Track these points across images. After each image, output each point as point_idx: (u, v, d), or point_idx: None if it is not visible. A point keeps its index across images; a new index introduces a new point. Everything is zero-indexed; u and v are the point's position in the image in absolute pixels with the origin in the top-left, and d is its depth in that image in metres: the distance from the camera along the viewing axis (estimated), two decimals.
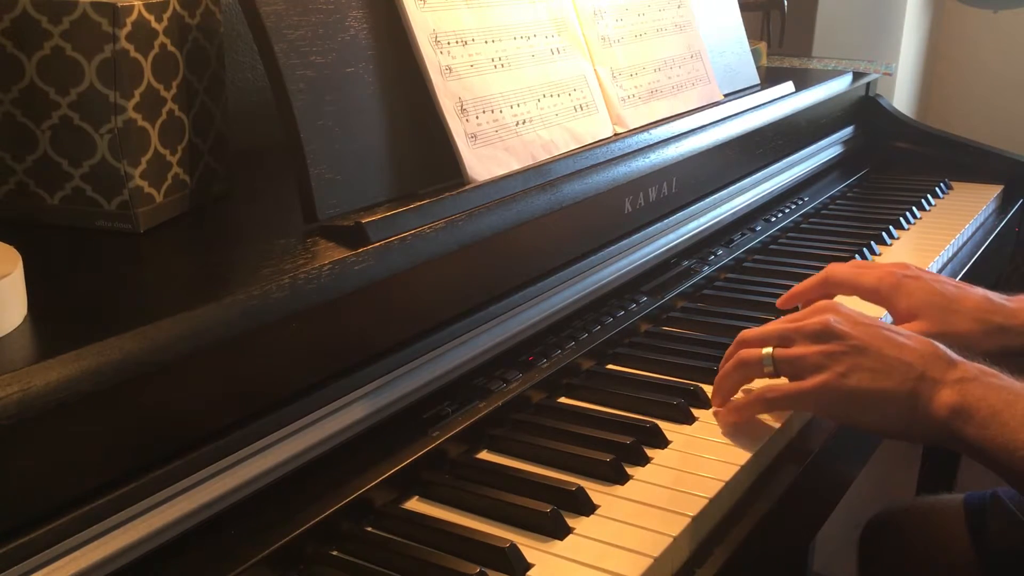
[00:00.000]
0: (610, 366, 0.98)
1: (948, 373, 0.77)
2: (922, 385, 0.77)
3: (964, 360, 0.79)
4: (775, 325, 0.85)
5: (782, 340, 0.83)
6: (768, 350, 0.83)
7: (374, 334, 0.77)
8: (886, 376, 0.77)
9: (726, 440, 0.83)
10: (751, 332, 0.86)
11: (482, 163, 0.92)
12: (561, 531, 0.70)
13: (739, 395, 0.86)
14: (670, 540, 0.69)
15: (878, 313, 1.07)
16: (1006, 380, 0.77)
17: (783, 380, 0.83)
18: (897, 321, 0.97)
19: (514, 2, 1.01)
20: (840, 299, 0.95)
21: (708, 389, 0.90)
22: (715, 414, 0.86)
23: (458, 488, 0.75)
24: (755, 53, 1.60)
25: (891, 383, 0.77)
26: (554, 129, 1.02)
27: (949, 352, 0.79)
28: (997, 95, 2.57)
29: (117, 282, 0.72)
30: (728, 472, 0.77)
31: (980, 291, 0.97)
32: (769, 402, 0.82)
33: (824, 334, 0.80)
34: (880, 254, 1.32)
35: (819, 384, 0.79)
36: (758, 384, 0.85)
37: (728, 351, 0.87)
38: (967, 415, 0.75)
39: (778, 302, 1.04)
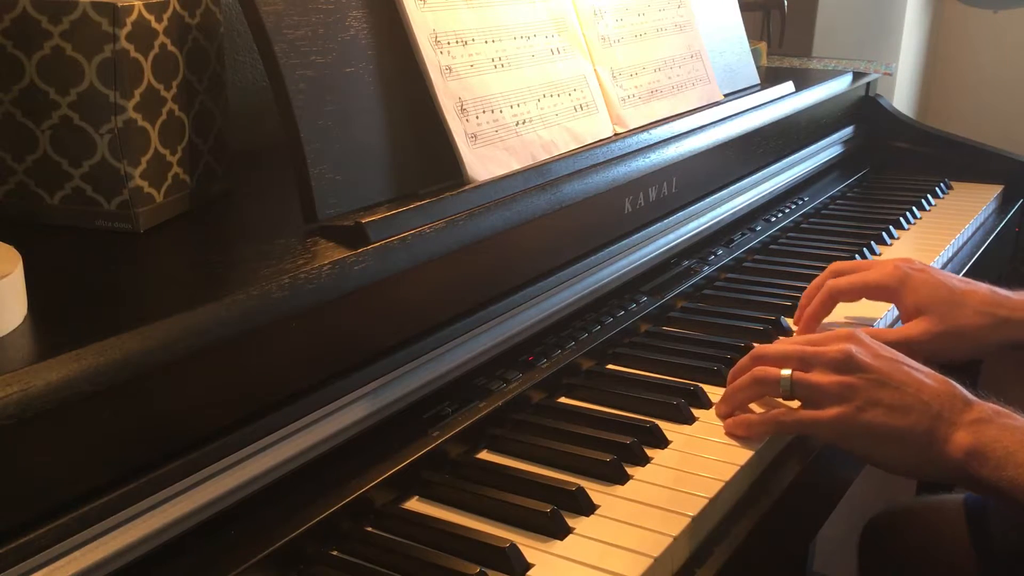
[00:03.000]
0: (610, 366, 0.98)
1: (964, 414, 0.77)
2: (938, 425, 0.77)
3: (979, 400, 0.79)
4: (794, 344, 0.85)
5: (801, 363, 0.82)
6: (787, 372, 0.82)
7: (374, 334, 0.77)
8: (903, 414, 0.77)
9: (726, 440, 0.83)
10: (768, 349, 0.85)
11: (482, 163, 0.92)
12: (561, 531, 0.70)
13: (753, 407, 0.85)
14: (670, 540, 0.69)
15: (880, 310, 1.07)
16: (1020, 421, 0.77)
17: (794, 403, 0.83)
18: (904, 315, 0.97)
19: (514, 2, 1.01)
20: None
21: (708, 389, 0.90)
22: (723, 424, 0.85)
23: (458, 488, 0.75)
24: (755, 53, 1.60)
25: (908, 422, 0.77)
26: (554, 129, 1.02)
27: (965, 392, 0.79)
28: (997, 95, 2.57)
29: (117, 282, 0.72)
30: (728, 472, 0.77)
31: (985, 286, 0.97)
32: (783, 425, 0.82)
33: (845, 364, 0.80)
34: (880, 254, 1.32)
35: (836, 416, 0.79)
36: (769, 401, 0.85)
37: (741, 363, 0.87)
38: (983, 457, 0.75)
39: (794, 322, 1.05)
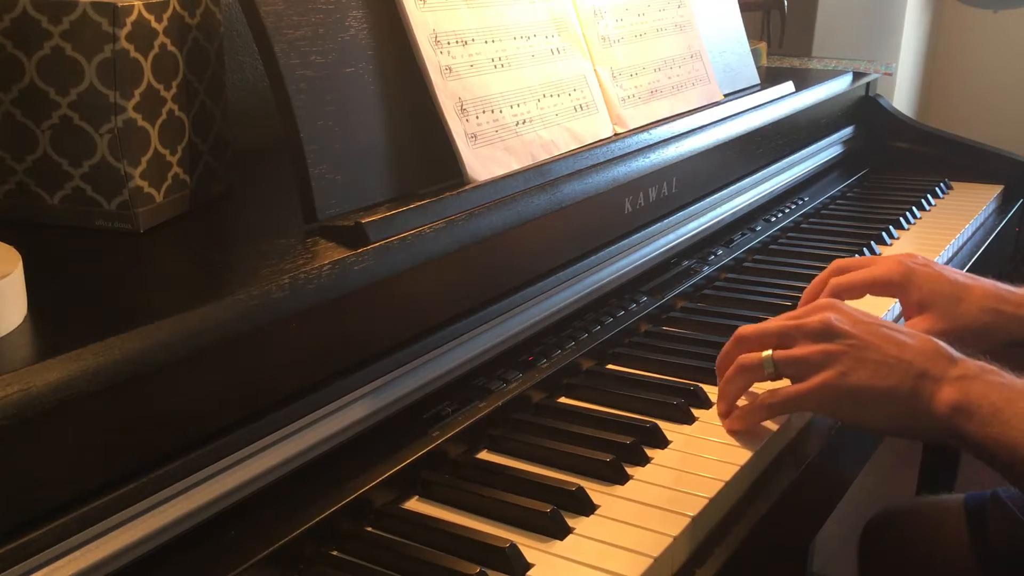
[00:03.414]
0: (610, 366, 0.98)
1: (949, 370, 0.77)
2: (923, 383, 0.77)
3: (965, 357, 0.78)
4: (774, 322, 0.85)
5: (782, 338, 0.82)
6: (768, 353, 0.82)
7: (374, 334, 0.77)
8: (887, 374, 0.77)
9: (726, 440, 0.83)
10: (750, 328, 0.85)
11: (482, 163, 0.92)
12: (561, 531, 0.70)
13: (742, 401, 0.86)
14: (670, 540, 0.69)
15: (882, 307, 1.07)
16: (1007, 377, 0.77)
17: (785, 382, 0.83)
18: (907, 311, 0.97)
19: (514, 2, 1.01)
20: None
21: (708, 389, 0.90)
22: (722, 423, 0.85)
23: (458, 488, 0.75)
24: (755, 53, 1.60)
25: (892, 381, 0.77)
26: (554, 129, 1.02)
27: (950, 349, 0.79)
28: (997, 95, 2.57)
29: (117, 282, 0.72)
30: (728, 472, 0.77)
31: (989, 281, 0.97)
32: (771, 407, 0.82)
33: (825, 333, 0.80)
34: (880, 254, 1.31)
35: (820, 383, 0.79)
36: (760, 387, 0.85)
37: (726, 347, 0.87)
38: (968, 413, 0.75)
39: None
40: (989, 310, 0.94)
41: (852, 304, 1.03)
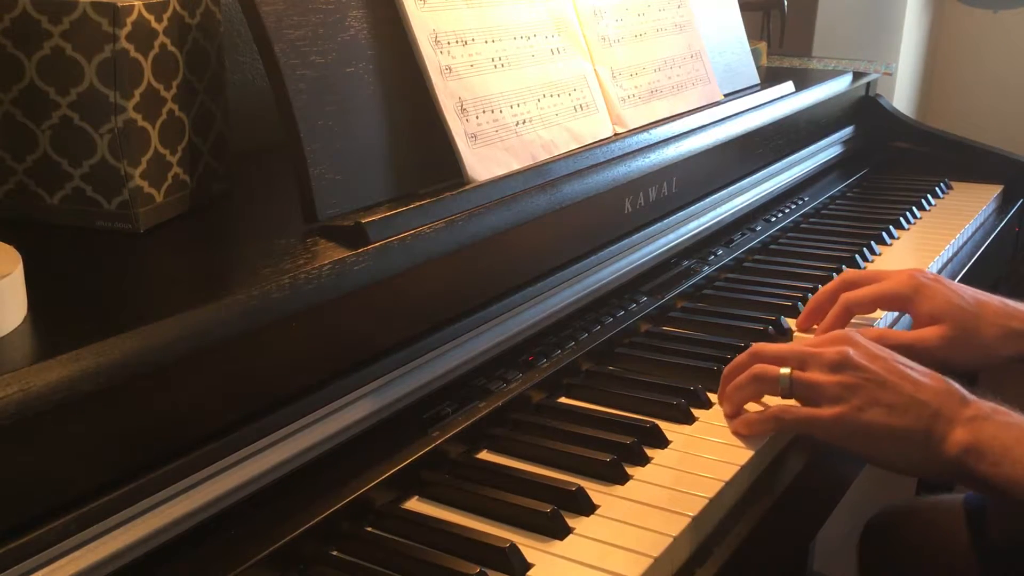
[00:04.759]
0: (610, 366, 0.98)
1: (961, 411, 0.78)
2: (936, 423, 0.77)
3: (977, 399, 0.79)
4: (792, 345, 0.85)
5: (799, 363, 0.83)
6: (787, 370, 0.82)
7: (374, 334, 0.77)
8: (902, 413, 0.78)
9: (726, 440, 0.83)
10: (767, 347, 0.86)
11: (482, 163, 0.92)
12: (561, 531, 0.70)
13: (751, 406, 0.86)
14: (670, 540, 0.69)
15: (879, 312, 1.07)
16: (1016, 417, 0.78)
17: (794, 401, 0.83)
18: (917, 324, 0.98)
19: (514, 2, 1.01)
20: None
21: (708, 389, 0.90)
22: (728, 423, 0.85)
23: (458, 488, 0.75)
24: (755, 53, 1.60)
25: (906, 421, 0.78)
26: (554, 129, 1.02)
27: (962, 390, 0.80)
28: (997, 95, 2.57)
29: (117, 282, 0.72)
30: (728, 472, 0.77)
31: (997, 298, 0.98)
32: (784, 423, 0.82)
33: (843, 365, 0.80)
34: (880, 254, 1.31)
35: (836, 415, 0.79)
36: (768, 400, 0.85)
37: (739, 359, 0.87)
38: (980, 453, 0.75)
39: (797, 324, 1.05)
40: (1000, 327, 0.95)
41: (864, 318, 1.04)
